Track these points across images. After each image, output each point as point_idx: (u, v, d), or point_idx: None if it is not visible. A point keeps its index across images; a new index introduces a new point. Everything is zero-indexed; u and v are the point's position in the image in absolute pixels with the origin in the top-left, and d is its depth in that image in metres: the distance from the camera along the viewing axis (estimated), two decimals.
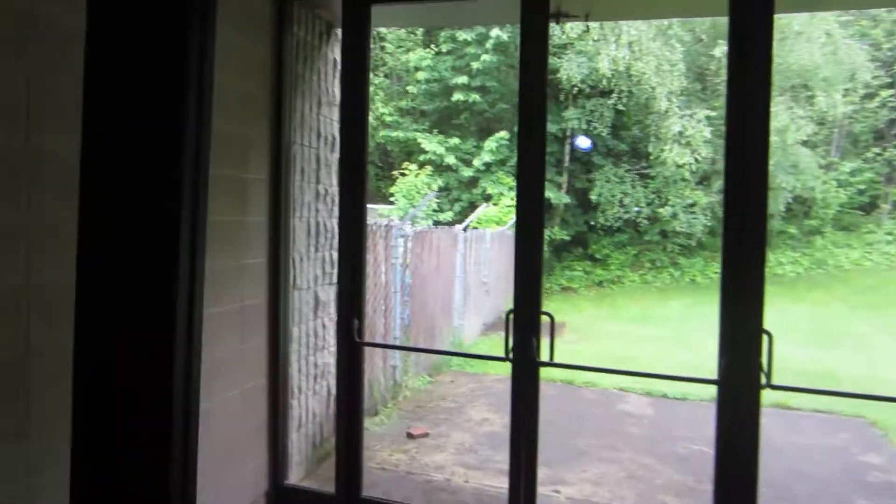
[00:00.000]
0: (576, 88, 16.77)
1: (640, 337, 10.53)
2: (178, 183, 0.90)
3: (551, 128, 16.92)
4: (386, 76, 18.23)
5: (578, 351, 9.13)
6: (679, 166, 16.22)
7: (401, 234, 6.14)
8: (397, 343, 6.26)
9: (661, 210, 16.74)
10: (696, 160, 16.05)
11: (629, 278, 16.51)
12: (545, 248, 16.08)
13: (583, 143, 16.90)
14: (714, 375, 2.74)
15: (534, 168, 2.98)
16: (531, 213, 2.99)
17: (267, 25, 3.23)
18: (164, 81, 0.90)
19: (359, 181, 3.27)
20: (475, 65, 16.18)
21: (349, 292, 3.28)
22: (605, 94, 17.04)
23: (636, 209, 16.97)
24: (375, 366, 5.56)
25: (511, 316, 3.05)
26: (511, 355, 3.02)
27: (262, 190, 3.27)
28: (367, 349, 3.93)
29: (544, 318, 3.03)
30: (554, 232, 16.79)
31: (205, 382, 2.75)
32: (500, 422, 5.50)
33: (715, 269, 15.65)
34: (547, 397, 6.44)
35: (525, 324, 3.02)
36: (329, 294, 4.05)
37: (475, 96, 16.32)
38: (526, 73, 2.97)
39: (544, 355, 3.09)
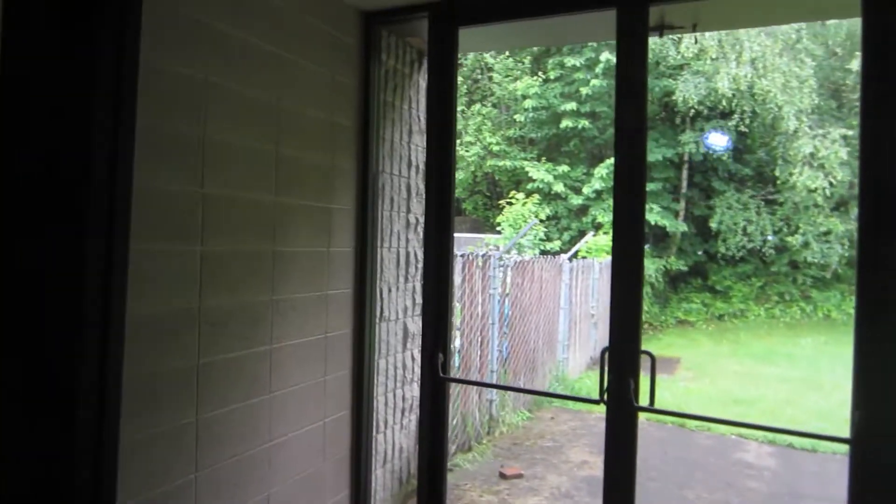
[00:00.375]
0: (693, 110, 16.02)
1: (765, 377, 9.68)
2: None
3: (666, 153, 16.26)
4: (494, 106, 18.26)
5: (693, 390, 8.50)
6: (811, 191, 15.00)
7: (499, 264, 5.98)
8: (494, 376, 6.06)
9: (790, 238, 15.54)
10: (831, 184, 14.77)
11: (753, 312, 15.37)
12: (660, 279, 15.38)
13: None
14: (847, 429, 2.37)
15: (632, 195, 2.75)
16: (629, 243, 2.75)
17: (353, 57, 3.22)
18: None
19: (444, 209, 3.16)
20: (584, 90, 15.85)
21: (433, 325, 3.15)
22: (726, 115, 16.15)
23: (768, 237, 15.84)
24: (470, 399, 5.39)
25: (606, 354, 2.80)
26: (605, 397, 2.77)
27: (348, 220, 3.23)
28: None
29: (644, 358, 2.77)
30: (670, 262, 16.00)
31: (284, 413, 2.72)
32: (600, 465, 5.11)
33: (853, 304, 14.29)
34: (654, 441, 6.05)
35: (621, 363, 2.77)
36: (419, 325, 3.95)
37: (584, 122, 15.97)
38: (623, 93, 2.76)
39: (644, 398, 2.81)
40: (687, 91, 15.56)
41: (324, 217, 3.02)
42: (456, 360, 5.30)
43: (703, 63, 15.48)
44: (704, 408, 7.73)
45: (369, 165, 3.36)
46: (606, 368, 2.78)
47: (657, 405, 2.87)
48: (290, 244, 2.77)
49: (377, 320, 3.47)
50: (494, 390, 5.93)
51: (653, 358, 2.82)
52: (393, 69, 3.60)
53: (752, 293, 15.86)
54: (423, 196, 3.90)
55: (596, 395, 2.84)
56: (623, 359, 2.76)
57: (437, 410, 3.15)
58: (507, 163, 16.81)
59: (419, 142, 3.87)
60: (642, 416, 2.79)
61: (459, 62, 18.45)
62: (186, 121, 2.20)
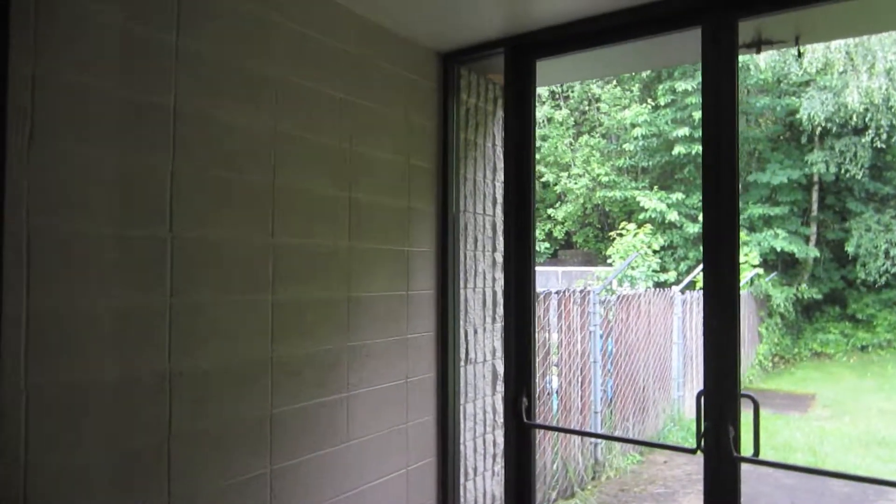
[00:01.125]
0: (820, 128, 14.92)
1: None
2: None
3: (792, 174, 15.23)
4: (603, 136, 17.90)
5: (829, 430, 7.71)
6: None
7: (600, 300, 5.73)
8: (598, 418, 5.77)
9: None
10: None
11: None
12: (790, 308, 14.26)
13: None
14: None
15: (723, 224, 2.53)
16: (722, 275, 2.52)
17: (431, 98, 3.22)
18: None
19: (523, 245, 3.06)
20: (697, 115, 15.21)
21: (516, 368, 3.03)
22: (859, 131, 14.93)
23: None
24: (572, 442, 5.15)
25: (702, 399, 2.56)
26: (702, 446, 2.52)
27: (427, 262, 3.20)
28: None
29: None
30: (801, 290, 14.82)
31: (361, 462, 2.69)
32: None
33: None
34: (782, 489, 5.50)
35: (719, 408, 2.52)
36: None
37: (699, 147, 15.27)
38: (711, 117, 2.56)
39: (747, 447, 2.53)
40: (812, 108, 14.57)
41: (401, 260, 3.00)
42: (554, 402, 5.09)
43: (829, 77, 14.43)
44: (843, 450, 6.97)
45: (449, 206, 3.32)
46: (703, 414, 2.54)
47: (763, 454, 2.58)
48: (365, 289, 2.76)
49: (462, 363, 3.39)
50: (600, 431, 5.64)
51: (755, 402, 2.55)
52: (474, 107, 3.57)
53: None
54: None
55: (690, 444, 2.59)
56: (721, 403, 2.51)
57: (523, 460, 3.00)
58: (618, 193, 16.37)
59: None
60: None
61: (565, 94, 18.34)
62: (255, 171, 2.26)
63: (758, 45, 3.07)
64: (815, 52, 14.04)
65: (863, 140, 14.83)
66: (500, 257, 3.74)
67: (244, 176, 2.21)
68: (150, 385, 1.91)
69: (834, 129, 14.99)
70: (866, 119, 14.41)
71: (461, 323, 3.38)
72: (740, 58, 3.01)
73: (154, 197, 1.93)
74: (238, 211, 2.19)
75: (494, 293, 3.69)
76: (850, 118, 14.41)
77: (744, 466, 2.52)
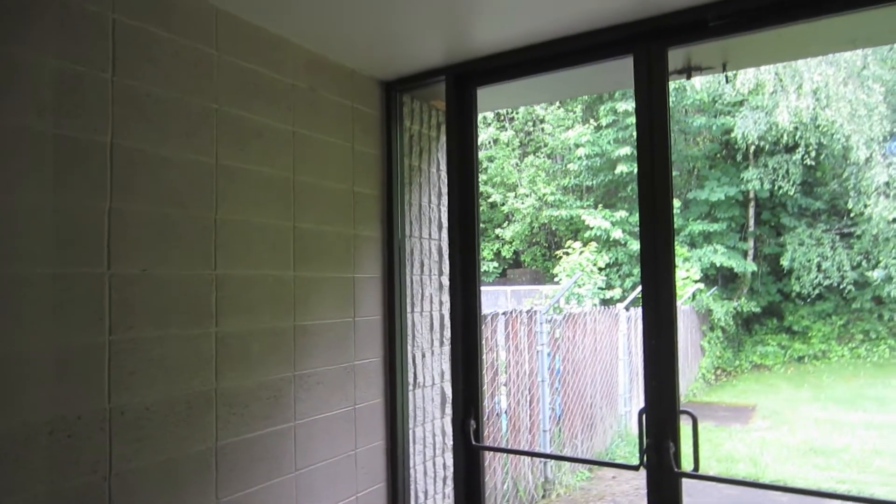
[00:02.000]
0: (753, 146, 15.57)
1: (850, 424, 8.99)
2: None
3: (729, 191, 15.80)
4: (548, 156, 18.26)
5: (769, 441, 7.97)
6: (891, 221, 14.21)
7: (546, 319, 5.83)
8: (547, 436, 5.84)
9: (871, 273, 14.67)
10: None
11: (836, 353, 14.46)
12: (731, 321, 14.72)
13: None
14: None
15: (658, 245, 2.63)
16: (661, 297, 2.61)
17: (374, 126, 3.26)
18: None
19: (469, 268, 3.11)
20: None
21: (464, 391, 3.06)
22: (790, 149, 15.63)
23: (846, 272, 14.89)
24: (522, 460, 5.19)
25: (643, 416, 2.64)
26: (645, 462, 2.60)
27: (374, 288, 3.21)
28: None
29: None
30: (741, 303, 15.33)
31: (312, 490, 2.67)
32: None
33: None
34: (726, 498, 5.65)
35: (660, 425, 2.59)
36: None
37: None
38: (645, 141, 2.68)
39: (688, 462, 2.62)
40: (746, 127, 15.20)
41: (347, 287, 3.01)
42: (503, 422, 5.13)
43: (760, 97, 15.10)
44: (782, 459, 7.21)
45: (394, 231, 3.35)
46: (645, 431, 2.61)
47: (706, 466, 2.67)
48: (311, 317, 2.76)
49: (411, 387, 3.41)
50: (549, 449, 5.70)
51: (694, 419, 2.64)
52: (418, 133, 3.62)
53: (833, 332, 14.97)
54: None
55: (636, 460, 2.66)
56: (661, 421, 2.59)
57: (472, 482, 3.03)
58: (564, 212, 16.68)
59: None
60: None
61: (511, 116, 18.64)
62: (197, 205, 2.25)
63: (688, 72, 3.21)
64: (746, 74, 14.68)
65: (794, 157, 15.53)
66: (446, 281, 3.78)
67: (185, 210, 2.20)
68: (89, 425, 1.87)
69: (767, 146, 15.65)
70: (796, 137, 15.10)
71: (409, 347, 3.40)
72: (676, 80, 3.16)
73: (91, 235, 1.90)
74: (179, 245, 2.17)
75: (442, 316, 3.72)
76: (782, 136, 15.08)
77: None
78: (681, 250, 14.58)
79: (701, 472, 2.67)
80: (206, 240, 2.27)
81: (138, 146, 2.05)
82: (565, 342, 6.34)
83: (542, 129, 18.24)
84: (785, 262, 15.60)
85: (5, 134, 1.71)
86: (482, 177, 17.99)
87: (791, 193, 15.73)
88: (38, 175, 1.78)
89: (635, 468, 2.63)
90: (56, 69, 1.83)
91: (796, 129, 14.91)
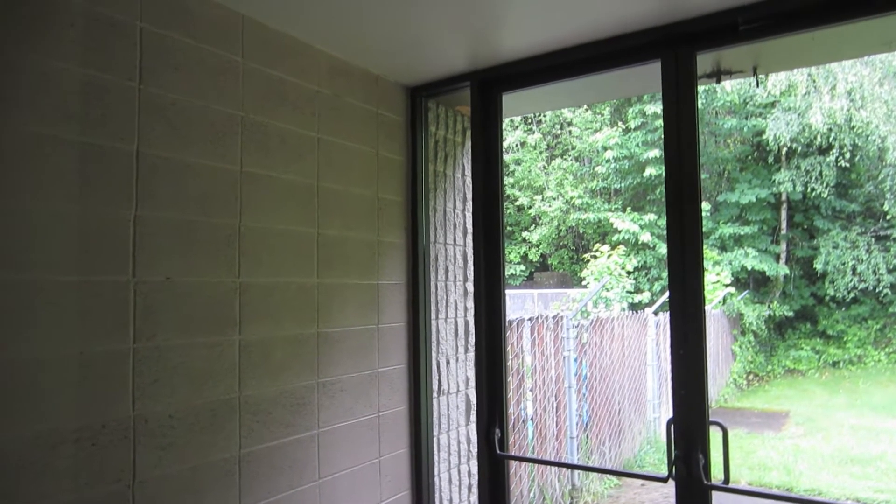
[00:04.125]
0: (786, 148, 15.28)
1: (888, 431, 8.73)
2: None
3: (760, 193, 15.52)
4: (576, 159, 18.13)
5: (803, 449, 7.78)
6: None
7: (573, 324, 5.77)
8: (574, 443, 5.77)
9: None
10: None
11: (872, 357, 14.09)
12: (763, 326, 14.44)
13: None
14: None
15: (687, 250, 2.57)
16: (687, 303, 2.55)
17: (399, 131, 3.24)
18: None
19: (494, 274, 3.08)
20: None
21: (488, 399, 3.03)
22: (824, 150, 15.31)
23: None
24: (548, 468, 5.13)
25: (671, 427, 2.58)
26: (673, 474, 2.54)
27: (398, 295, 3.20)
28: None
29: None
30: (773, 307, 15.03)
31: (335, 498, 2.66)
32: None
33: None
34: None
35: (688, 437, 2.53)
36: None
37: None
38: (673, 146, 2.62)
39: (718, 473, 2.56)
40: (778, 129, 14.93)
41: (371, 294, 3.00)
42: (529, 429, 5.08)
43: (793, 99, 14.82)
44: (817, 468, 7.03)
45: (419, 238, 3.33)
46: (673, 443, 2.55)
47: (738, 475, 2.60)
48: (335, 324, 2.75)
49: (435, 394, 3.38)
50: (576, 455, 5.63)
51: (724, 430, 2.57)
52: (443, 139, 3.60)
53: (869, 337, 14.59)
54: None
55: (664, 469, 2.60)
56: (690, 432, 2.53)
57: (497, 492, 2.99)
58: (591, 215, 16.55)
59: None
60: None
61: (538, 119, 18.56)
62: (221, 212, 2.25)
63: (717, 76, 3.15)
64: (778, 75, 14.43)
65: (827, 159, 15.21)
66: (471, 287, 3.75)
67: (210, 218, 2.21)
68: (113, 433, 1.88)
69: (799, 148, 15.36)
70: (830, 139, 14.80)
71: (433, 354, 3.38)
72: (706, 84, 3.09)
73: (116, 243, 1.91)
74: (203, 253, 2.18)
75: (466, 323, 3.69)
76: (815, 138, 14.78)
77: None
78: (711, 254, 14.36)
79: (732, 483, 2.61)
80: (229, 247, 2.27)
81: (163, 154, 2.06)
82: (592, 347, 6.27)
83: (570, 132, 18.12)
84: (818, 266, 15.28)
85: (33, 142, 1.73)
86: (509, 180, 17.93)
87: (825, 195, 15.42)
88: (64, 183, 1.79)
89: (664, 480, 2.58)
90: (83, 77, 1.85)
91: (830, 130, 14.61)
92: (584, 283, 12.47)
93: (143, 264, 1.98)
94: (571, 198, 17.05)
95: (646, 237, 14.96)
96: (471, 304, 3.75)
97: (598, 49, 2.77)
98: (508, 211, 18.44)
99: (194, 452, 2.11)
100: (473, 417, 3.72)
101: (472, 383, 3.72)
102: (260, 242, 2.39)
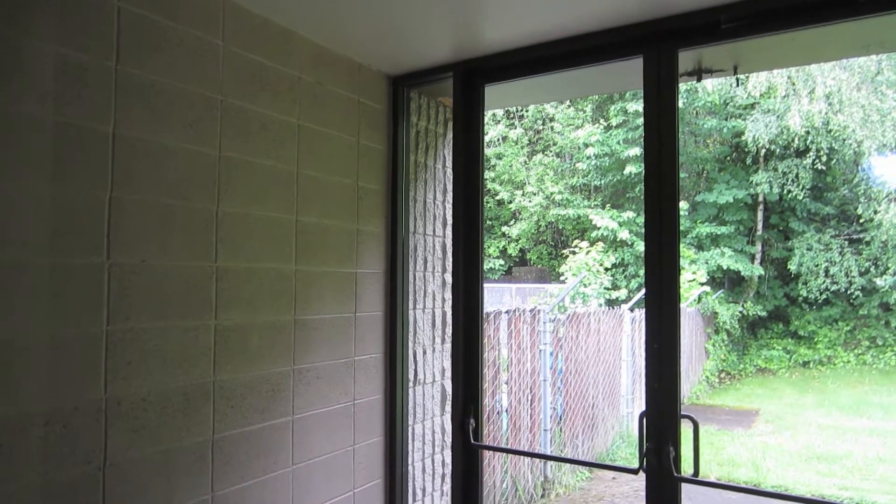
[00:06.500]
0: (764, 150, 15.47)
1: (854, 430, 8.93)
2: None
3: (738, 194, 15.72)
4: (557, 155, 18.21)
5: (771, 446, 7.92)
6: None
7: (550, 318, 5.81)
8: (547, 436, 5.82)
9: (879, 280, 14.57)
10: None
11: (842, 358, 14.38)
12: (736, 325, 14.66)
13: None
14: None
15: (663, 249, 2.60)
16: (663, 300, 2.59)
17: (380, 121, 3.24)
18: None
19: (473, 266, 3.09)
20: None
21: (464, 390, 3.05)
22: (801, 153, 15.53)
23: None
24: (521, 459, 5.17)
25: (644, 420, 2.62)
26: (644, 466, 2.57)
27: (376, 284, 3.20)
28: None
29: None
30: (746, 307, 15.26)
31: (309, 485, 2.66)
32: None
33: None
34: (727, 502, 5.63)
35: (660, 430, 2.57)
36: None
37: None
38: (652, 143, 2.65)
39: (688, 466, 2.60)
40: (757, 130, 15.11)
41: (349, 282, 3.00)
42: (504, 421, 5.11)
43: (772, 101, 15.01)
44: (784, 465, 7.17)
45: (398, 227, 3.33)
46: (645, 435, 2.59)
47: (708, 470, 2.65)
48: (312, 312, 2.75)
49: (411, 384, 3.39)
50: (549, 448, 5.68)
51: (695, 423, 2.62)
52: (424, 129, 3.60)
53: (839, 338, 14.88)
54: None
55: (636, 462, 2.64)
56: (662, 424, 2.57)
57: (470, 481, 3.02)
58: (571, 211, 16.64)
59: None
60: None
61: (520, 114, 18.57)
62: (199, 196, 2.23)
63: (698, 74, 3.18)
64: (758, 77, 14.59)
65: (804, 162, 15.43)
66: (449, 278, 3.77)
67: (188, 202, 2.19)
68: (85, 415, 1.86)
69: (777, 150, 15.57)
70: (807, 142, 15.01)
71: (410, 344, 3.39)
72: (687, 82, 3.12)
73: (91, 225, 1.89)
74: (181, 237, 2.16)
75: (444, 313, 3.71)
76: (793, 140, 14.99)
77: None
78: (688, 252, 14.52)
79: (701, 476, 2.66)
80: (207, 231, 2.26)
81: (141, 136, 2.04)
82: (568, 342, 6.32)
83: (552, 128, 18.18)
84: (792, 267, 15.53)
85: (5, 121, 1.70)
86: (490, 174, 17.95)
87: (800, 198, 15.65)
88: (38, 163, 1.77)
89: (634, 472, 2.61)
90: (59, 56, 1.82)
91: (808, 133, 14.82)
92: (562, 278, 12.56)
93: (119, 247, 1.96)
94: (552, 193, 17.13)
95: (624, 234, 15.08)
96: (449, 295, 3.76)
97: (581, 43, 2.79)
98: (489, 205, 18.47)
99: (167, 436, 2.10)
100: (448, 408, 3.74)
101: (448, 374, 3.74)
102: (238, 228, 2.38)
